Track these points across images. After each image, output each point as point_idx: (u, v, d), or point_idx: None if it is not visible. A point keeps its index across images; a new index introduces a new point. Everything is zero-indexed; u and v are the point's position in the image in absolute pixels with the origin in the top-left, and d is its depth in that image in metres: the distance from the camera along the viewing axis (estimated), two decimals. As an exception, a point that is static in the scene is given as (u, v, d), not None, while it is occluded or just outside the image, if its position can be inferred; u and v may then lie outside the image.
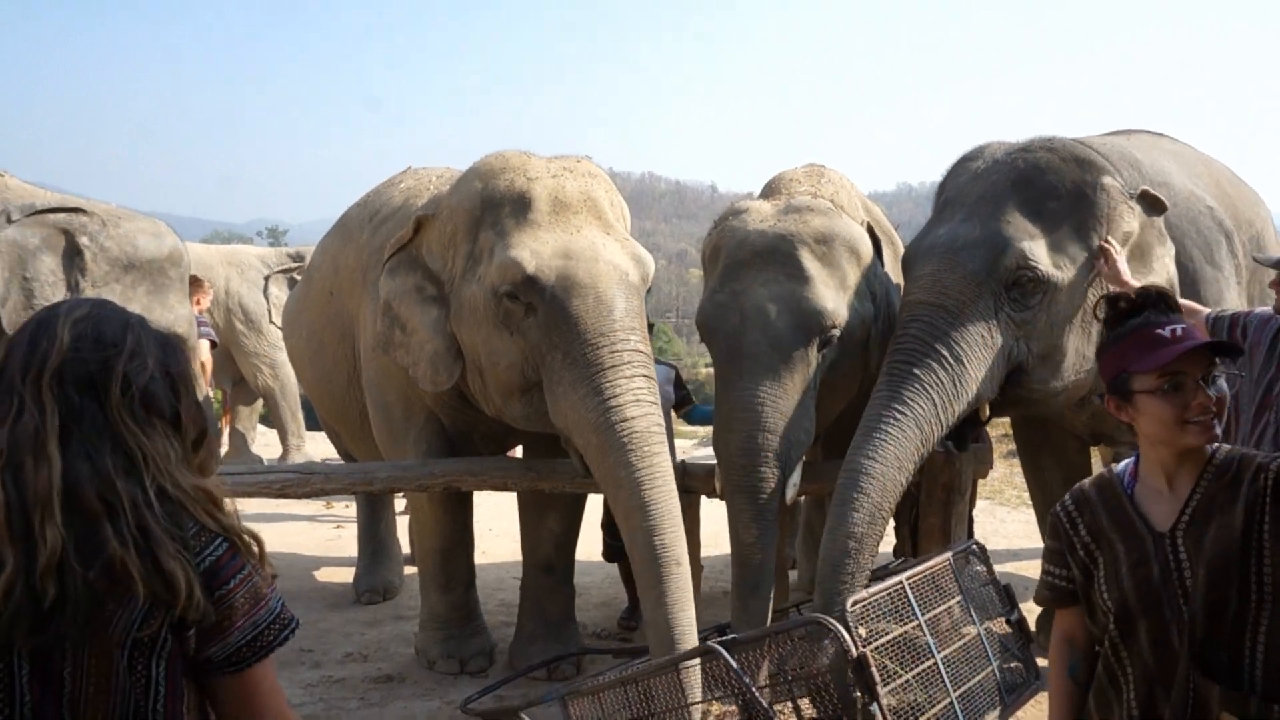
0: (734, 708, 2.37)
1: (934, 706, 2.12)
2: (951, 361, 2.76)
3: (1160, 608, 1.37)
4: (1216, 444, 1.42)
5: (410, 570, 4.63)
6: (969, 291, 2.82)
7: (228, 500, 1.17)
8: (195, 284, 5.13)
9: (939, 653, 2.14)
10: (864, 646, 2.03)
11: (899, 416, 2.71)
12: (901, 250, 3.44)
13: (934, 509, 3.22)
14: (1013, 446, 6.74)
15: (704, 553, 3.49)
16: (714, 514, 3.54)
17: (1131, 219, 2.90)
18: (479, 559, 3.84)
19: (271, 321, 7.69)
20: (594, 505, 3.75)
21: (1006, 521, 6.09)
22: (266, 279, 7.84)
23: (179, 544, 1.07)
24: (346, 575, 4.91)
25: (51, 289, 3.83)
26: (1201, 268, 3.22)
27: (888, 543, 3.89)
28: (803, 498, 3.75)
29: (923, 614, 2.18)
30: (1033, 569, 4.74)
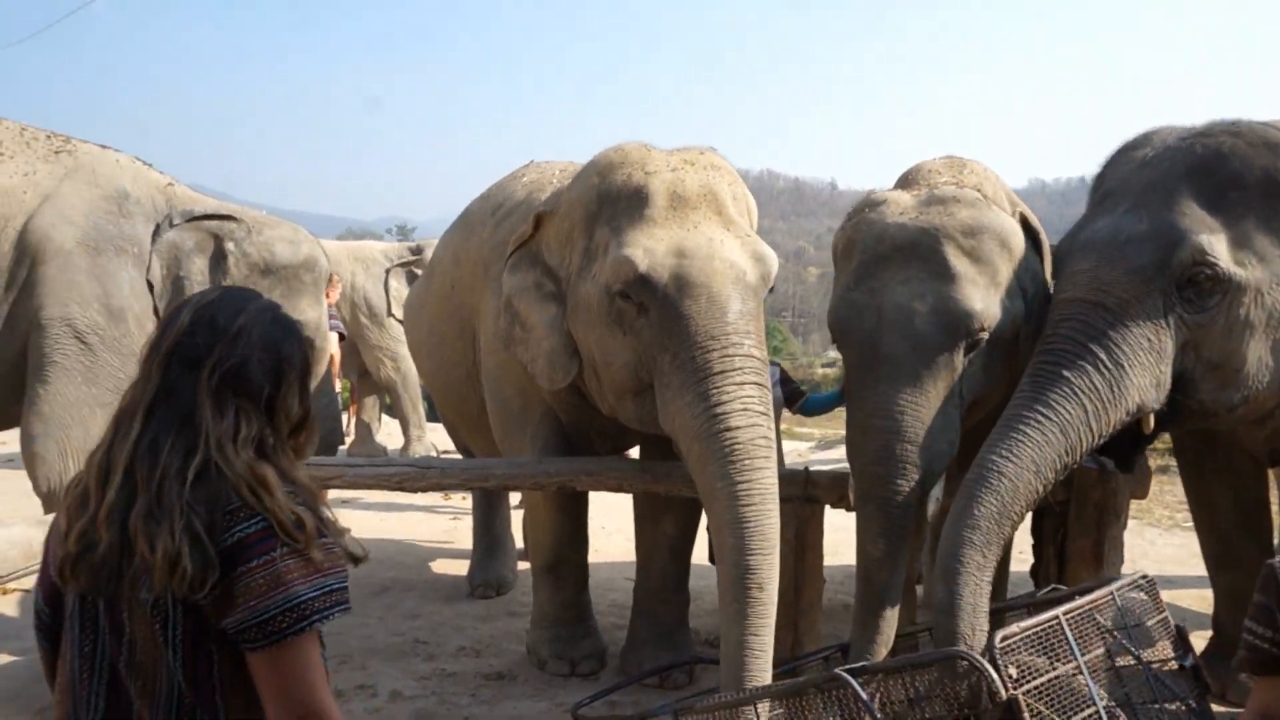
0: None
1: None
2: (1109, 365, 2.48)
3: None
4: None
5: (524, 566, 4.63)
6: (1134, 289, 2.53)
7: (322, 491, 1.23)
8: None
9: (1100, 701, 1.90)
10: (1015, 688, 1.82)
11: (1041, 419, 2.44)
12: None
13: (1085, 530, 2.95)
14: (1162, 461, 6.20)
15: (828, 562, 3.32)
16: (840, 522, 3.35)
17: (1331, 212, 2.55)
18: (591, 557, 3.78)
19: (391, 314, 7.90)
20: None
21: (1156, 544, 5.61)
22: (386, 272, 8.06)
23: (197, 518, 1.12)
24: (461, 568, 4.96)
25: (200, 288, 4.13)
26: None
27: (1024, 561, 3.62)
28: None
29: (1082, 654, 1.94)
30: (1187, 598, 4.33)
